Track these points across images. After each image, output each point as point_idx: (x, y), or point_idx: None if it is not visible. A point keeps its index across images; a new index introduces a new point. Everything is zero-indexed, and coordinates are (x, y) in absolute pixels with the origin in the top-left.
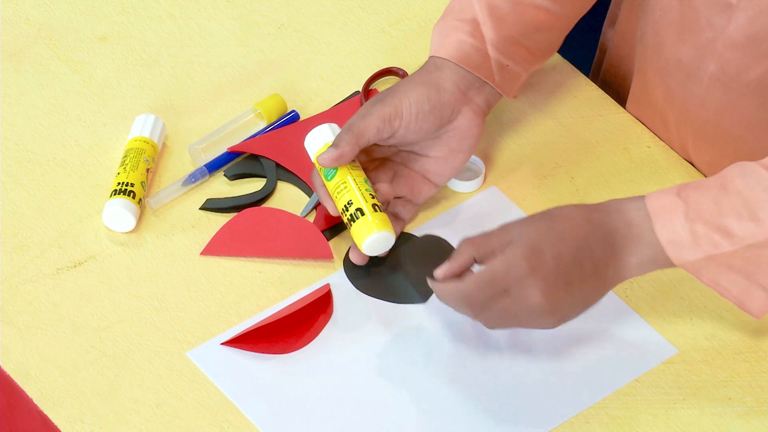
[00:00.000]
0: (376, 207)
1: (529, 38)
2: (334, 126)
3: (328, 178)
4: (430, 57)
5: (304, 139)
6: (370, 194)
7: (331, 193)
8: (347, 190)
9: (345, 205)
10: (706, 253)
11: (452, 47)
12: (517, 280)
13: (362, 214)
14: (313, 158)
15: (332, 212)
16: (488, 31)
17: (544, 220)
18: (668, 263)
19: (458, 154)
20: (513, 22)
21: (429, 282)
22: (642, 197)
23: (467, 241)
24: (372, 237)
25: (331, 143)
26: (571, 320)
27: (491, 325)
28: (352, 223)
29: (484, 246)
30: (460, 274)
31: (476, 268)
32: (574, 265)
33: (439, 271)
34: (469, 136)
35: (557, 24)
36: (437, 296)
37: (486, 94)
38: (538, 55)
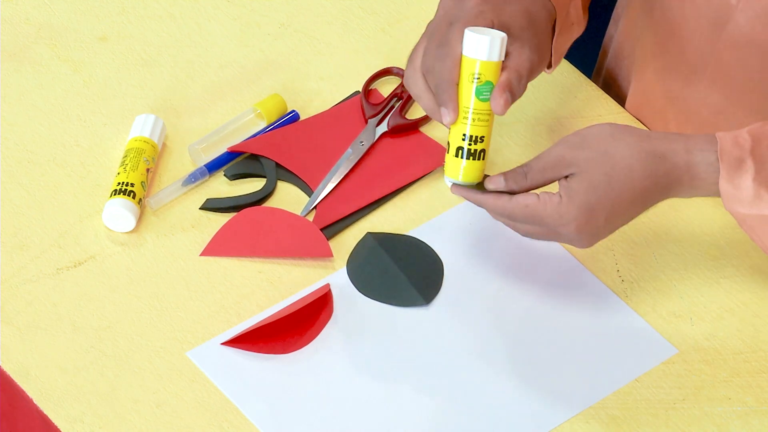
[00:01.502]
0: None
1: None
2: (505, 39)
3: (482, 96)
4: None
5: (467, 33)
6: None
7: (464, 112)
8: (487, 125)
9: (475, 136)
10: (760, 212)
11: None
12: (562, 229)
13: (483, 158)
14: (469, 54)
15: (448, 119)
16: None
17: (603, 172)
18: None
19: None
20: None
21: (473, 190)
22: (714, 145)
23: (523, 173)
24: (472, 185)
25: (500, 62)
26: None
27: (523, 235)
28: (470, 157)
29: (542, 178)
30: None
31: None
32: (624, 215)
33: (492, 185)
34: (539, 74)
35: None
36: (478, 203)
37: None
38: (585, 16)
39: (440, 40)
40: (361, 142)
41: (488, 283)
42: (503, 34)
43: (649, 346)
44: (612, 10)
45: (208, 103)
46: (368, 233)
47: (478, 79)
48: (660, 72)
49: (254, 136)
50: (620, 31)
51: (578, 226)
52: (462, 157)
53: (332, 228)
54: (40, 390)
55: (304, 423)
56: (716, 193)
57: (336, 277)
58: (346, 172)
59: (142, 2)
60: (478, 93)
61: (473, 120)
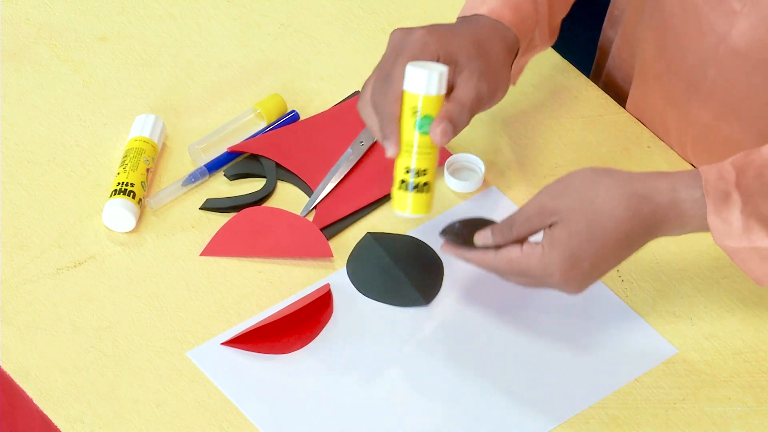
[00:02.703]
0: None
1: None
2: (444, 73)
3: (422, 130)
4: (486, 18)
5: (407, 68)
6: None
7: (407, 145)
8: (429, 157)
9: (419, 169)
10: (751, 244)
11: (511, 13)
12: (548, 279)
13: (428, 191)
14: (409, 88)
15: (390, 152)
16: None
17: (585, 218)
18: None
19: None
20: None
21: (461, 249)
22: (699, 181)
23: (509, 225)
24: (420, 216)
25: (440, 96)
26: None
27: (517, 284)
28: (415, 190)
29: (527, 228)
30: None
31: None
32: (610, 259)
33: (480, 240)
34: (495, 102)
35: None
36: (465, 260)
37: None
38: (552, 35)
39: (385, 74)
40: (361, 142)
41: (488, 283)
42: (444, 68)
43: (649, 346)
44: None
45: (208, 103)
46: (368, 233)
47: (419, 113)
48: (660, 76)
49: (254, 136)
50: (620, 34)
51: (563, 274)
52: (408, 190)
53: (332, 228)
54: (40, 390)
55: (304, 423)
56: (705, 228)
57: (336, 277)
58: (346, 172)
59: (142, 2)
60: (420, 127)
61: (417, 154)
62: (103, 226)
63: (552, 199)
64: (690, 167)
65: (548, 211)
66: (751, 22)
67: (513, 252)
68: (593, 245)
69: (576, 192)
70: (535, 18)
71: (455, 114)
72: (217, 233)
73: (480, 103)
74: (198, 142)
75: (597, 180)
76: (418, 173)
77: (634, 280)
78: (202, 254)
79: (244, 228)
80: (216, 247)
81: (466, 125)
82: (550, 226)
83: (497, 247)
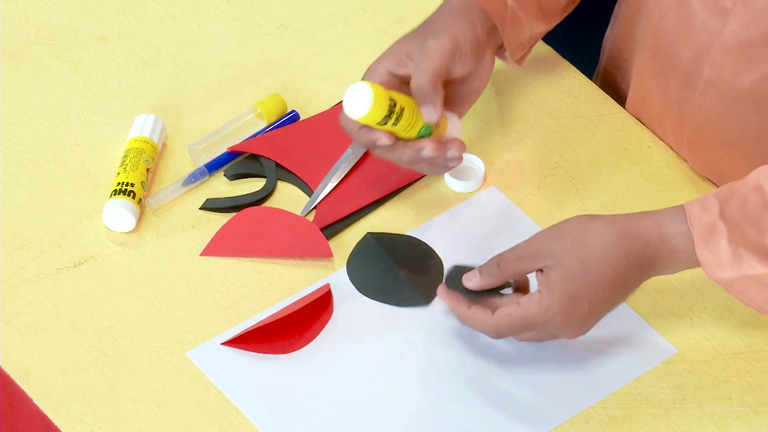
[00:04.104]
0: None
1: None
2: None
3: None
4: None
5: (345, 95)
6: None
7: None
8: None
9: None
10: (743, 273)
11: None
12: (549, 324)
13: (386, 122)
14: (356, 117)
15: (434, 117)
16: None
17: (579, 259)
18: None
19: (472, 95)
20: None
21: (461, 305)
22: (683, 215)
23: (496, 263)
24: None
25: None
26: None
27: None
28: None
29: (516, 267)
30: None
31: None
32: (607, 300)
33: (470, 284)
34: (484, 79)
35: None
36: (463, 320)
37: (497, 42)
38: (548, 14)
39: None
40: None
41: None
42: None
43: (649, 346)
44: (611, 11)
45: (208, 103)
46: (368, 233)
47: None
48: (656, 76)
49: (254, 136)
50: (615, 33)
51: (564, 316)
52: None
53: (332, 228)
54: (40, 390)
55: (304, 423)
56: (697, 263)
57: (336, 277)
58: (346, 172)
59: (142, 2)
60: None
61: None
62: (103, 226)
63: (546, 242)
64: (688, 167)
65: (541, 254)
66: (743, 20)
67: (510, 307)
68: (590, 286)
69: (569, 236)
70: None
71: (426, 97)
72: (217, 233)
73: (441, 64)
74: (198, 142)
75: (587, 224)
76: (398, 117)
77: None
78: (202, 254)
79: (244, 228)
80: (216, 247)
81: (438, 90)
82: (541, 270)
83: (489, 291)
